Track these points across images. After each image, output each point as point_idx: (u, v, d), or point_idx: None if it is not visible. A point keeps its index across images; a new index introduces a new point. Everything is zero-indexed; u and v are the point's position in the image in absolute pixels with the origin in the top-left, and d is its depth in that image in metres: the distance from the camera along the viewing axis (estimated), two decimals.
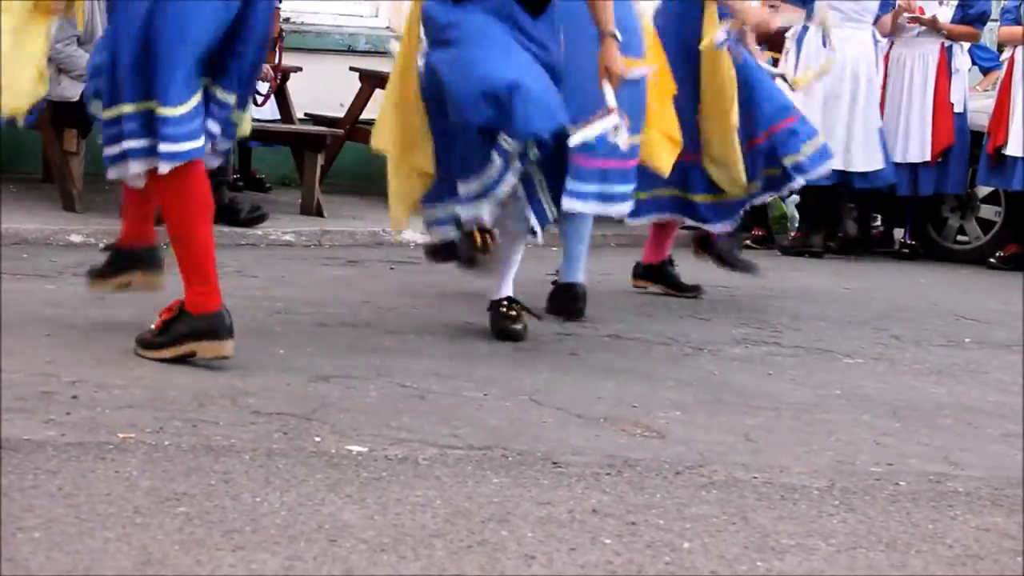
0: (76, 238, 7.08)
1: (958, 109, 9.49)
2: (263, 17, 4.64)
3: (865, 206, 9.82)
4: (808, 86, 8.00)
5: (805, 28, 9.06)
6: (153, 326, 4.58)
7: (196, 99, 4.51)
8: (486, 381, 4.68)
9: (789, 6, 9.11)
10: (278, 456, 3.60)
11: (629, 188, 6.02)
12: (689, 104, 6.48)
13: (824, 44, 8.52)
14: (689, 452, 4.02)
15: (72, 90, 7.52)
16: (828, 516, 3.54)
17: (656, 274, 6.98)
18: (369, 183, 9.15)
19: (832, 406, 4.82)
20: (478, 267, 5.39)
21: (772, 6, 9.12)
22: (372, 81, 9.11)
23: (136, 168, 4.53)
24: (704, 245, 6.90)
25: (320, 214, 8.44)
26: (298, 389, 4.33)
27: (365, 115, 9.34)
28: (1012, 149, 9.14)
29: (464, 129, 5.07)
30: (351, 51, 10.22)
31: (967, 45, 9.81)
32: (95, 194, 7.79)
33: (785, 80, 7.18)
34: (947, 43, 9.50)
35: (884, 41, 9.53)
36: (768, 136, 6.59)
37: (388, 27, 10.58)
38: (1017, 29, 9.45)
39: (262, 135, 8.45)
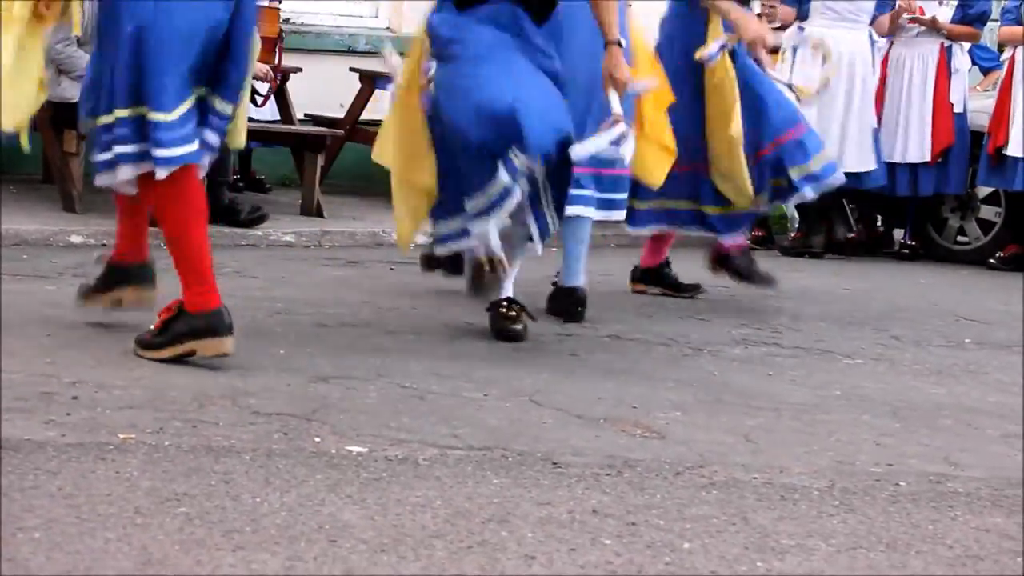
0: (76, 239, 7.08)
1: (958, 109, 9.48)
2: (251, 22, 4.66)
3: (867, 207, 9.82)
4: (811, 96, 7.97)
5: (801, 29, 9.06)
6: (152, 327, 4.59)
7: (188, 104, 4.54)
8: (486, 381, 4.68)
9: (785, 7, 9.14)
10: (278, 456, 3.60)
11: (625, 195, 6.06)
12: (697, 115, 6.48)
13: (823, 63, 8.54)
14: (689, 452, 4.02)
15: (72, 91, 7.50)
16: (828, 516, 3.54)
17: (654, 277, 6.98)
18: (369, 184, 9.15)
19: (832, 406, 4.82)
20: (486, 294, 5.36)
21: (771, 7, 9.16)
22: (372, 82, 9.11)
23: (126, 173, 4.54)
24: (721, 261, 6.83)
25: (320, 215, 8.43)
26: (298, 389, 4.33)
27: (365, 116, 9.34)
28: (1013, 149, 9.13)
29: (465, 147, 5.07)
30: (351, 52, 10.21)
31: (967, 45, 9.80)
32: (95, 195, 7.75)
33: (790, 88, 7.16)
34: (947, 43, 9.49)
35: (883, 41, 9.53)
36: (775, 147, 6.57)
37: (388, 27, 10.59)
38: (1017, 29, 9.44)
39: (262, 136, 8.45)
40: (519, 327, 5.42)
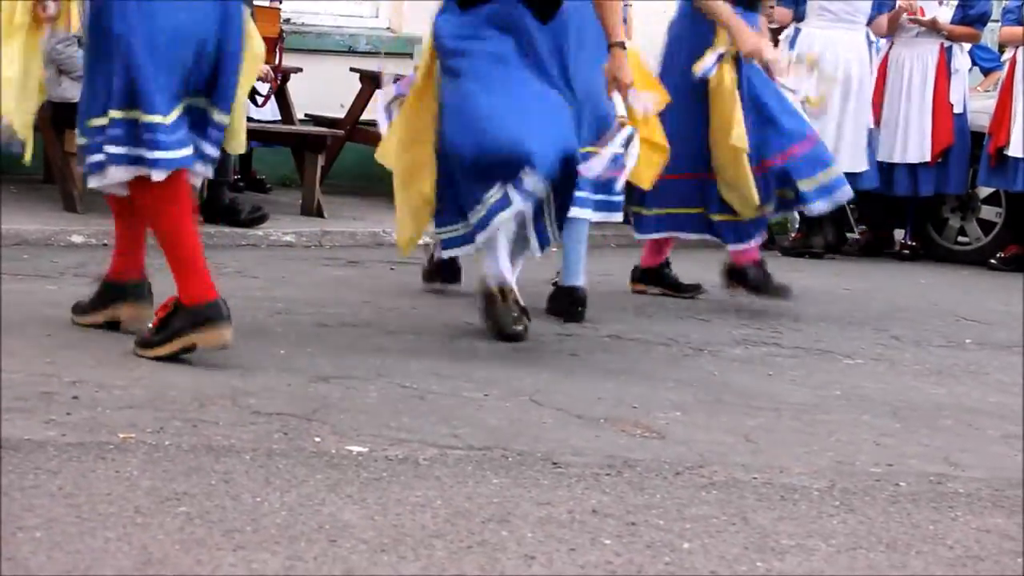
0: (77, 239, 7.08)
1: (958, 110, 9.48)
2: (239, 27, 4.68)
3: (868, 208, 9.81)
4: (822, 107, 7.94)
5: (797, 30, 9.06)
6: (150, 324, 4.59)
7: (180, 110, 4.56)
8: (486, 381, 4.68)
9: (782, 8, 9.13)
10: (278, 456, 3.60)
11: (622, 197, 6.04)
12: (702, 120, 6.47)
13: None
14: (689, 452, 4.02)
15: (72, 91, 7.50)
16: (828, 517, 3.54)
17: (654, 277, 6.98)
18: (369, 184, 9.15)
19: (832, 407, 4.82)
20: (500, 325, 5.32)
21: (769, 7, 9.15)
22: (372, 82, 9.10)
23: (119, 175, 4.55)
24: (735, 277, 6.78)
25: (320, 215, 8.43)
26: (298, 389, 4.34)
27: (365, 116, 9.34)
28: (1014, 150, 9.13)
29: (464, 171, 5.09)
30: (351, 52, 10.21)
31: (967, 46, 9.80)
32: (96, 195, 7.73)
33: (795, 93, 7.14)
34: (947, 43, 9.49)
35: (882, 41, 9.53)
36: (784, 158, 6.54)
37: (388, 27, 10.59)
38: (1018, 29, 9.44)
39: (263, 136, 8.45)
40: (520, 327, 5.40)
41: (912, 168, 9.45)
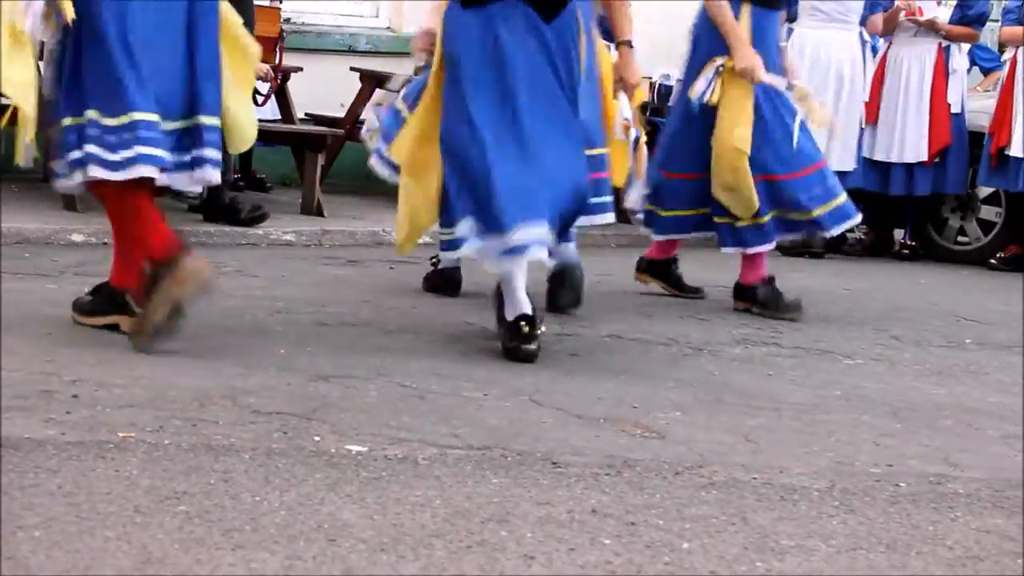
0: (77, 237, 7.08)
1: (955, 110, 9.48)
2: (214, 28, 4.72)
3: (868, 209, 9.80)
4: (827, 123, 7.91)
5: (790, 30, 9.05)
6: (133, 302, 4.65)
7: (155, 117, 4.64)
8: (486, 381, 4.68)
9: None
10: (278, 456, 3.60)
11: (610, 198, 5.92)
12: (709, 124, 6.47)
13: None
14: (689, 452, 4.02)
15: None
16: (828, 517, 3.54)
17: (659, 270, 6.96)
18: (369, 183, 9.12)
19: (832, 407, 4.82)
20: (517, 353, 5.12)
21: None
22: (373, 81, 9.11)
23: (97, 174, 4.60)
24: (745, 296, 6.72)
25: (320, 214, 8.43)
26: (298, 389, 4.34)
27: (366, 115, 9.33)
28: (1015, 150, 9.13)
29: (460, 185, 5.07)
30: (352, 51, 10.21)
31: (965, 46, 9.80)
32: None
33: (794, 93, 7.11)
34: (944, 43, 9.49)
35: (881, 41, 9.53)
36: (790, 178, 6.51)
37: (388, 27, 10.59)
38: (1018, 29, 9.44)
39: (263, 135, 8.41)
40: (532, 347, 5.08)
41: (909, 168, 9.45)
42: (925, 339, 6.34)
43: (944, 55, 9.47)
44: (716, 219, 6.64)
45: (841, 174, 8.49)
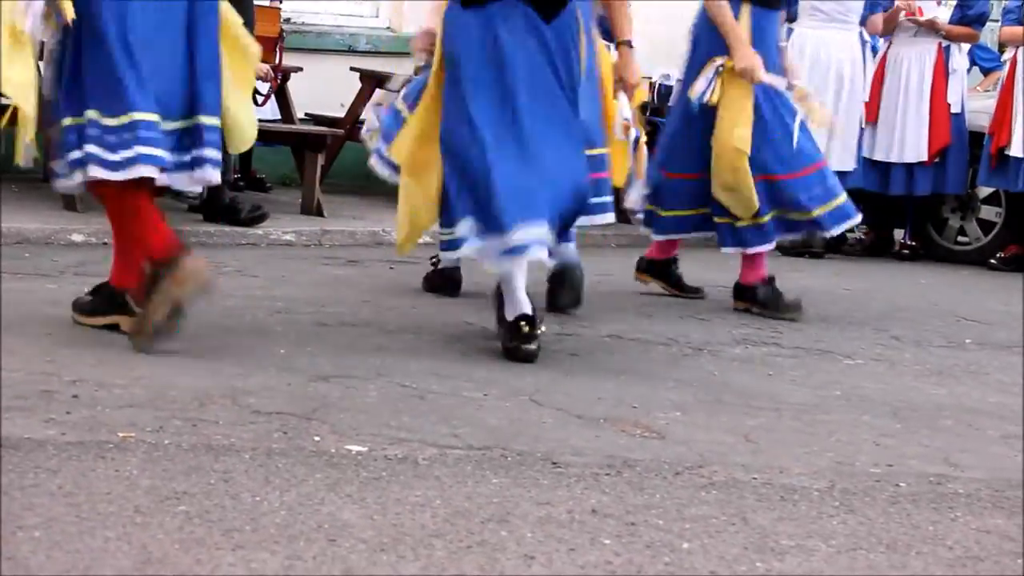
0: (77, 237, 7.08)
1: (955, 110, 9.48)
2: (214, 28, 4.72)
3: (869, 209, 9.80)
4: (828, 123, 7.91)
5: (790, 31, 9.05)
6: (134, 300, 4.65)
7: (158, 117, 4.64)
8: (486, 381, 4.68)
9: None
10: (278, 456, 3.60)
11: (609, 198, 5.92)
12: (709, 124, 6.46)
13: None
14: (689, 452, 4.02)
15: None
16: (828, 517, 3.54)
17: (660, 270, 6.96)
18: (369, 183, 9.11)
19: (832, 407, 4.82)
20: (517, 353, 5.12)
21: None
22: (372, 81, 9.11)
23: (97, 173, 4.60)
24: (745, 296, 6.72)
25: (320, 214, 8.43)
26: (298, 389, 4.34)
27: (365, 115, 9.33)
28: (1015, 150, 9.13)
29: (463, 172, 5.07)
30: (352, 51, 10.21)
31: (965, 46, 9.80)
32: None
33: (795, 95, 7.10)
34: (944, 43, 9.49)
35: (881, 41, 9.53)
36: (789, 178, 6.51)
37: (388, 27, 10.59)
38: (1018, 29, 9.44)
39: (263, 135, 8.41)
40: (532, 347, 5.08)
41: (909, 168, 9.45)
42: (925, 339, 6.34)
43: (944, 55, 9.47)
44: (716, 219, 6.64)
45: (841, 174, 8.49)
